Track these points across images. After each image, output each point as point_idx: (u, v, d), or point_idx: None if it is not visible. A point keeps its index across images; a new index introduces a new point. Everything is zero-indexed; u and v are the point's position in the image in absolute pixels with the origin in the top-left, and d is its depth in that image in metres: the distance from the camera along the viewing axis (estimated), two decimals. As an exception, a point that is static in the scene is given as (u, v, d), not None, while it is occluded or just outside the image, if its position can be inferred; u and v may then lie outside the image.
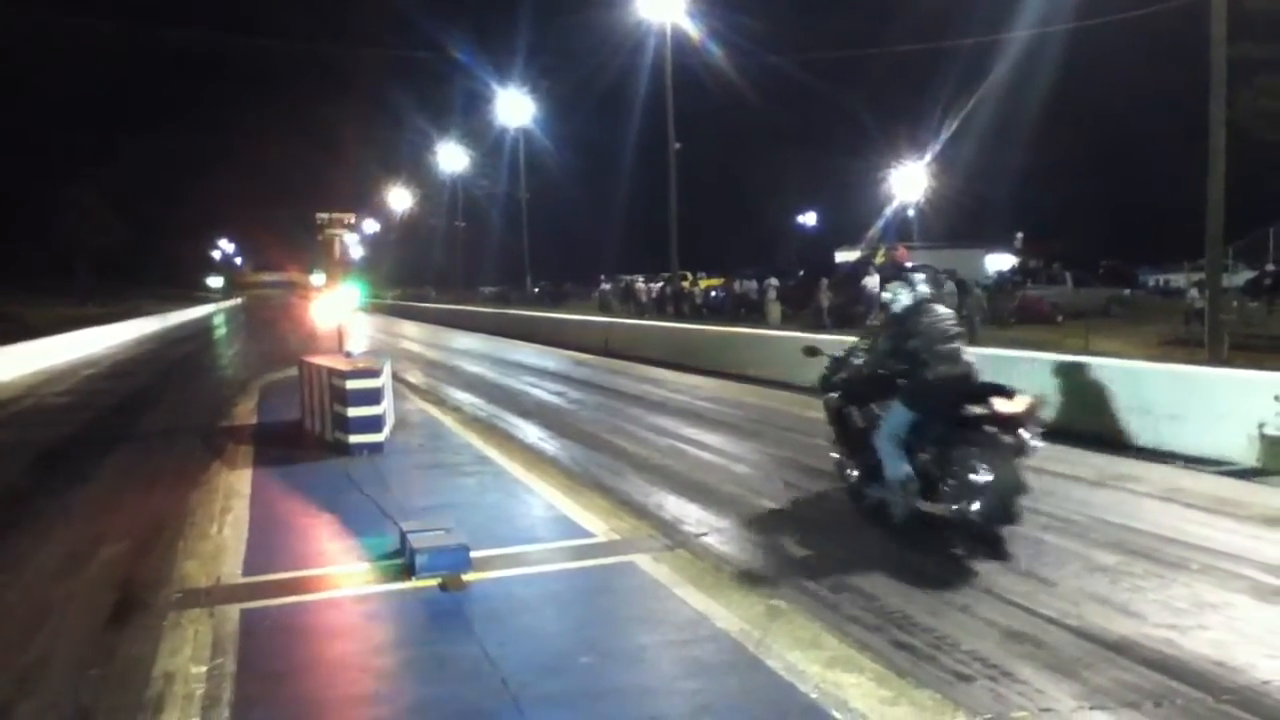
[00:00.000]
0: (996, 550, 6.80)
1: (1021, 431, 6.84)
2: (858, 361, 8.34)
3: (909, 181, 53.68)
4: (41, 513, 9.51)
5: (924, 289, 7.73)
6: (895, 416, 7.36)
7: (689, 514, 8.49)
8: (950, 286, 22.78)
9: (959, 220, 51.81)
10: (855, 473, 8.04)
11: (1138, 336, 23.57)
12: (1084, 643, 5.32)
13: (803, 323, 27.79)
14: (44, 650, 5.93)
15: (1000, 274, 38.75)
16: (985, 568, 6.60)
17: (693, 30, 32.38)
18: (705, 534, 7.80)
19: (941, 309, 7.75)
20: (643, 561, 6.95)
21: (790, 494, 9.08)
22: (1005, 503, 6.76)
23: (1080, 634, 5.44)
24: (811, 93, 58.83)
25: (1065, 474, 9.18)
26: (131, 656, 5.64)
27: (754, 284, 38.67)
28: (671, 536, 7.68)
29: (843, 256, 46.60)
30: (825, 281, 31.76)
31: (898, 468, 7.27)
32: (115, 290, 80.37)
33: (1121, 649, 5.22)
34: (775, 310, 31.95)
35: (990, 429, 6.95)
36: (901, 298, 7.70)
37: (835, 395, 8.60)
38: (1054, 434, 10.80)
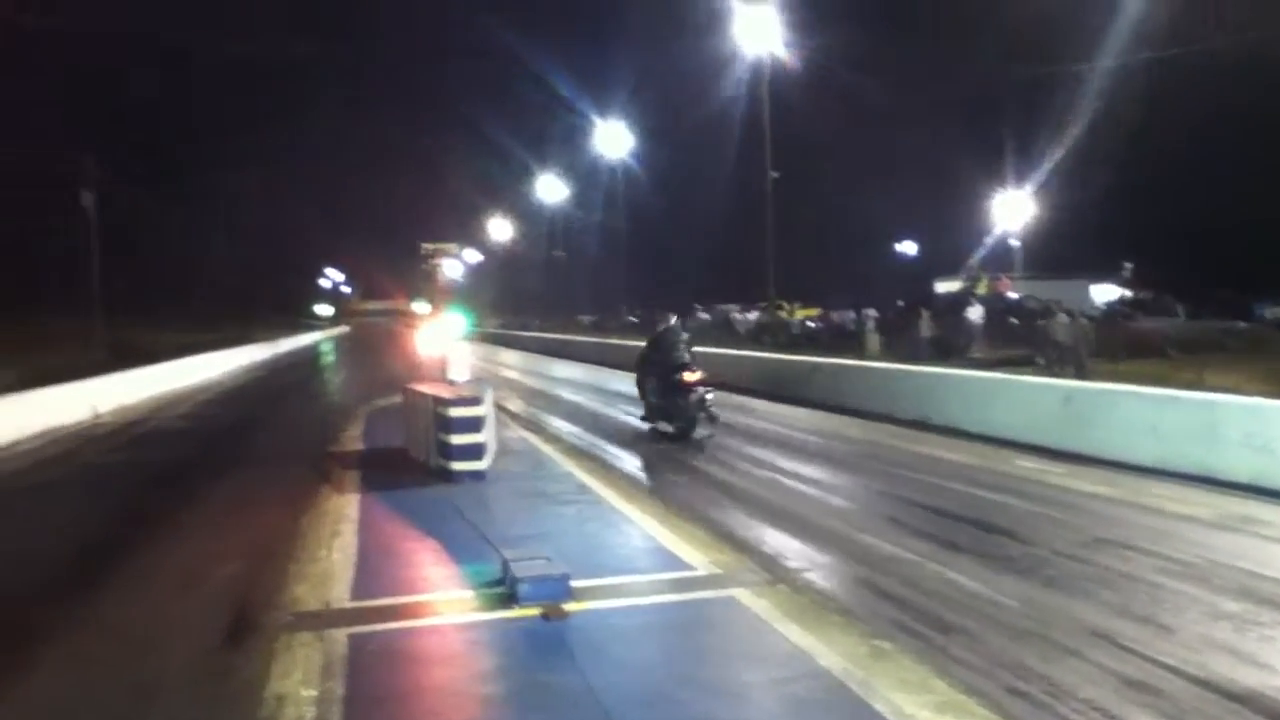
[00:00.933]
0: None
1: (699, 388, 14.30)
2: (644, 356, 15.95)
3: (1011, 210, 52.51)
4: (159, 532, 9.89)
5: (674, 322, 16.18)
6: (649, 382, 15.40)
7: (789, 548, 8.41)
8: (1063, 318, 22.13)
9: (1064, 250, 50.39)
10: (643, 413, 15.78)
11: (1255, 370, 22.55)
12: (1207, 694, 5.10)
13: (901, 354, 27.33)
14: (161, 667, 6.14)
15: (1108, 305, 37.54)
16: (1099, 612, 6.38)
17: (790, 59, 32.37)
18: (806, 569, 7.71)
19: (679, 331, 15.79)
20: (743, 596, 6.89)
21: (893, 531, 8.92)
22: (690, 424, 14.28)
23: (1203, 684, 5.21)
24: (910, 119, 58.09)
25: (1180, 514, 8.84)
26: (244, 677, 5.81)
27: (851, 314, 38.23)
28: (772, 571, 7.61)
29: (943, 287, 45.73)
30: (926, 312, 31.20)
31: (649, 406, 15.45)
32: (228, 317, 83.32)
33: (1248, 701, 4.98)
34: (874, 341, 31.48)
35: (684, 388, 14.36)
36: (662, 326, 16.09)
37: (637, 372, 16.22)
38: (1159, 473, 10.52)
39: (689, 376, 14.27)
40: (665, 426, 14.88)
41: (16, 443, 16.41)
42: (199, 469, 13.93)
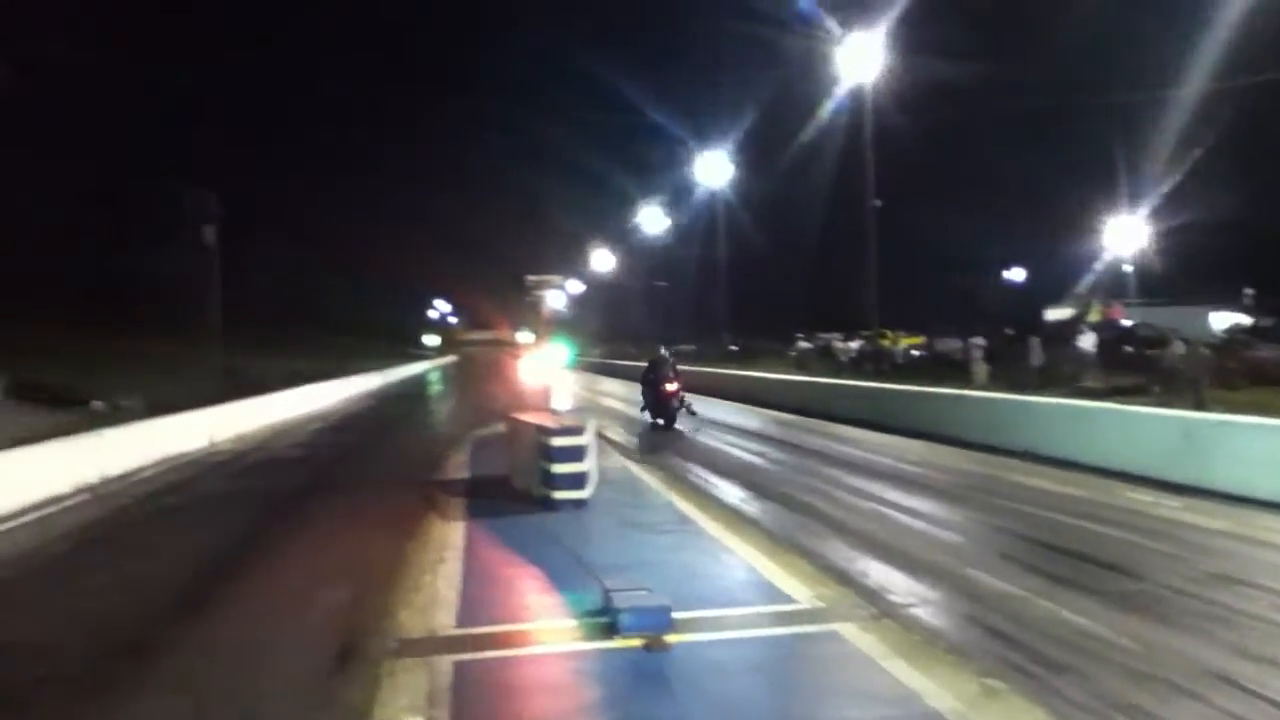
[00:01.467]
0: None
1: (681, 394, 22.19)
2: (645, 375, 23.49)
3: (1124, 235, 50.84)
4: (271, 557, 10.20)
5: (663, 353, 23.78)
6: (646, 389, 22.82)
7: (895, 582, 8.23)
8: (1179, 346, 21.29)
9: (1181, 275, 48.54)
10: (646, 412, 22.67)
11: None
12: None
13: (1009, 383, 26.62)
14: (270, 689, 6.31)
15: (1228, 332, 35.95)
16: (1218, 651, 6.09)
17: (892, 83, 32.02)
18: (913, 604, 7.53)
19: (667, 359, 23.17)
20: (847, 631, 6.76)
21: (1002, 566, 8.66)
22: (671, 418, 22.06)
23: (1343, 735, 4.92)
24: (1019, 142, 56.82)
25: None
26: (350, 703, 5.92)
27: (957, 342, 37.43)
28: (877, 605, 7.45)
29: (1052, 314, 44.46)
30: (1036, 341, 30.35)
31: (648, 405, 22.71)
32: (345, 346, 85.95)
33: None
34: (981, 370, 30.73)
35: (666, 396, 21.99)
36: (656, 356, 23.38)
37: (642, 384, 22.90)
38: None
39: (669, 388, 22.04)
40: (659, 421, 22.30)
41: (141, 469, 17.13)
42: (310, 496, 14.31)
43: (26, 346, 31.12)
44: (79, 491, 14.57)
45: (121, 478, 16.11)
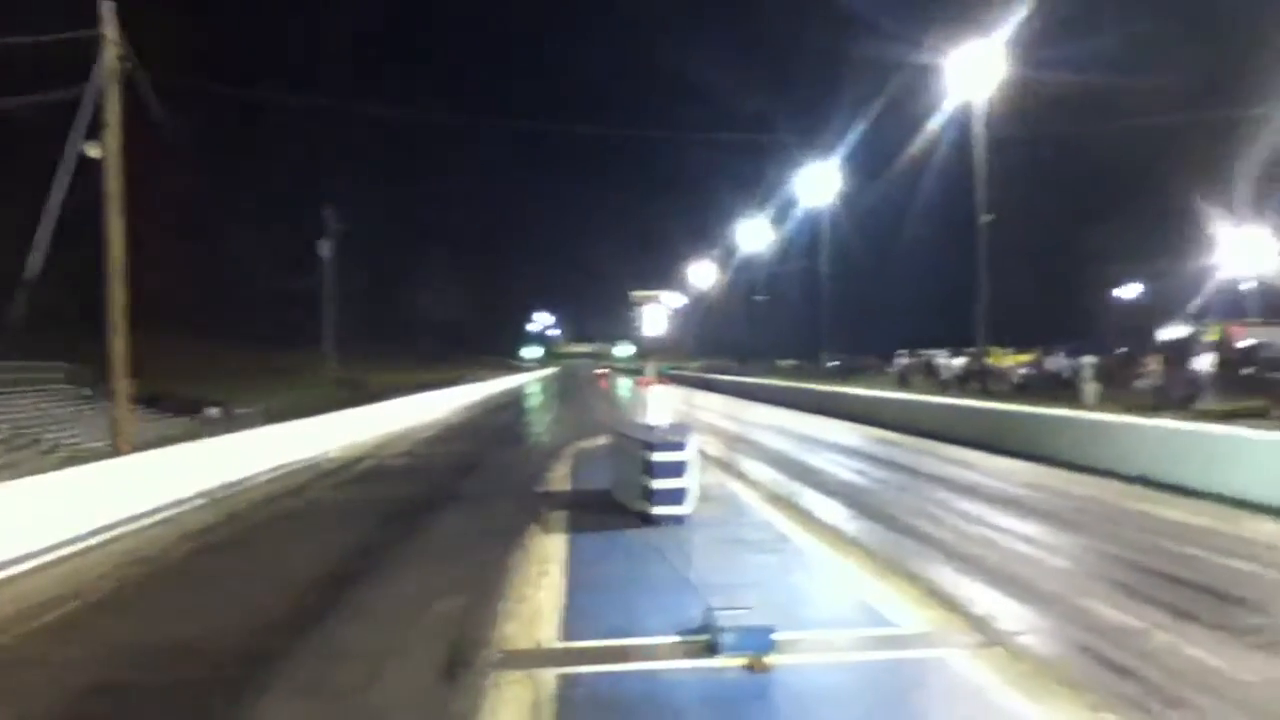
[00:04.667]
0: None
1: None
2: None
3: (1245, 250, 48.70)
4: (380, 566, 10.45)
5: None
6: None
7: (1004, 609, 8.04)
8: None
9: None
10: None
11: None
12: None
13: (1123, 404, 25.75)
14: (383, 699, 6.46)
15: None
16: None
17: (1005, 99, 31.34)
18: (1023, 632, 7.35)
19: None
20: (954, 658, 6.65)
21: (1118, 595, 8.38)
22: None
23: None
24: (1132, 156, 55.02)
25: None
26: (459, 713, 6.05)
27: (1066, 360, 36.35)
28: (985, 633, 7.30)
29: (1168, 333, 42.85)
30: (1150, 360, 29.34)
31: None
32: (443, 357, 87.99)
33: None
34: (1091, 390, 29.80)
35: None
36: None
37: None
38: None
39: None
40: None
41: (255, 475, 17.78)
42: (417, 506, 14.61)
43: (160, 356, 32.56)
44: (197, 496, 15.21)
45: (237, 484, 16.74)
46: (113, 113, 16.85)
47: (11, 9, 19.59)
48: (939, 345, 52.40)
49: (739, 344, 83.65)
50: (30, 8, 18.25)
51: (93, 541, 11.95)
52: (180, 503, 14.66)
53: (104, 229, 16.86)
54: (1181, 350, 30.56)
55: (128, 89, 17.06)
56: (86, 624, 8.58)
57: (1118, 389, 30.12)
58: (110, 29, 16.80)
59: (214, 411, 32.20)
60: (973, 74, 30.86)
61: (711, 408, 40.49)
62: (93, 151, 16.75)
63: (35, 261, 17.18)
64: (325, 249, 41.24)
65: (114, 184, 16.89)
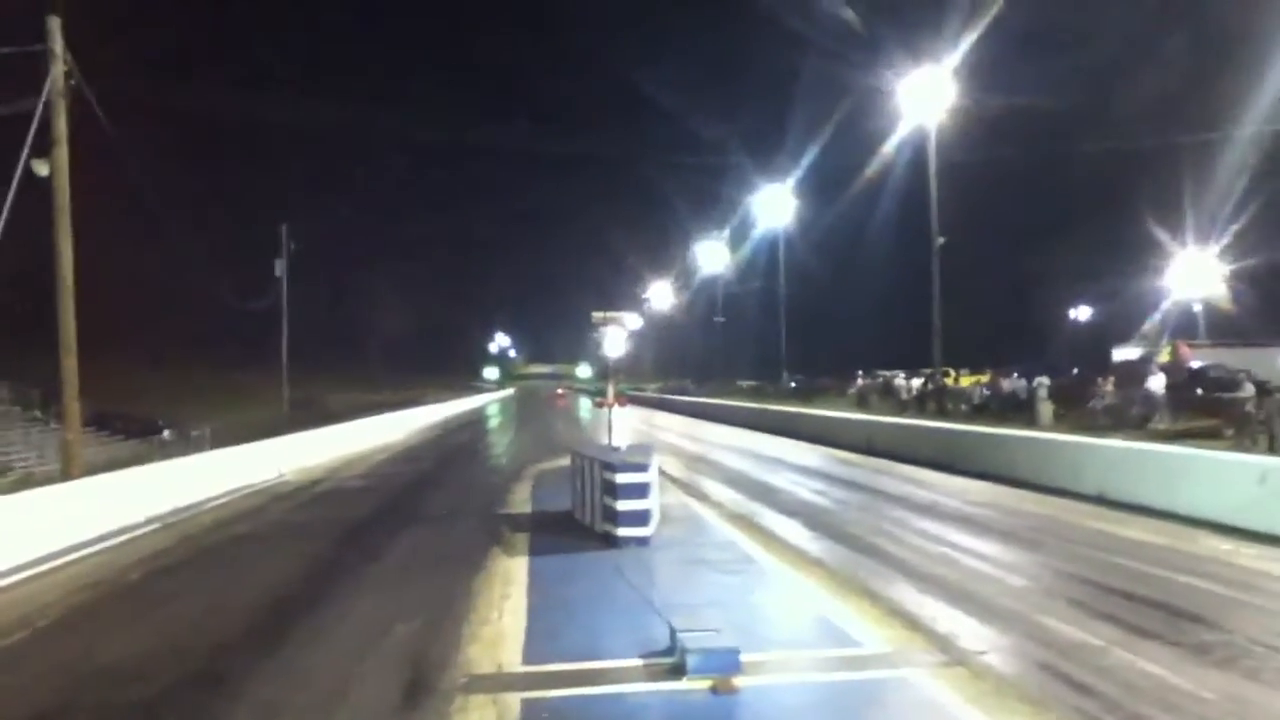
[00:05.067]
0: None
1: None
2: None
3: (1193, 273, 49.68)
4: (339, 589, 10.29)
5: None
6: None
7: (965, 628, 8.09)
8: (1249, 389, 20.77)
9: (1254, 315, 47.29)
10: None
11: None
12: None
13: (1076, 424, 26.13)
14: (346, 722, 6.36)
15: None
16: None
17: (957, 123, 31.87)
18: (984, 651, 7.40)
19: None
20: (917, 677, 6.68)
21: (1076, 613, 8.47)
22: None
23: None
24: (1083, 180, 56.16)
25: None
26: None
27: (1022, 381, 36.78)
28: (947, 652, 7.34)
29: (1120, 354, 43.56)
30: (1104, 380, 29.79)
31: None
32: (401, 377, 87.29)
33: None
34: (1046, 410, 30.19)
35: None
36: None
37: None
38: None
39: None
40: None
41: (210, 499, 17.48)
42: (375, 528, 14.44)
43: (114, 375, 31.99)
44: (149, 521, 14.92)
45: (190, 508, 16.45)
46: (60, 129, 16.56)
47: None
48: (897, 366, 52.89)
49: (699, 365, 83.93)
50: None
51: (43, 568, 11.67)
52: (133, 527, 14.36)
53: (54, 245, 16.54)
54: (1135, 371, 31.04)
55: (79, 102, 16.78)
56: (34, 652, 8.36)
57: (1072, 409, 30.57)
58: (57, 45, 16.52)
59: (167, 434, 31.70)
60: (924, 99, 31.38)
61: (671, 428, 40.51)
62: (41, 169, 16.43)
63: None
64: (279, 268, 40.92)
65: (63, 199, 16.58)
